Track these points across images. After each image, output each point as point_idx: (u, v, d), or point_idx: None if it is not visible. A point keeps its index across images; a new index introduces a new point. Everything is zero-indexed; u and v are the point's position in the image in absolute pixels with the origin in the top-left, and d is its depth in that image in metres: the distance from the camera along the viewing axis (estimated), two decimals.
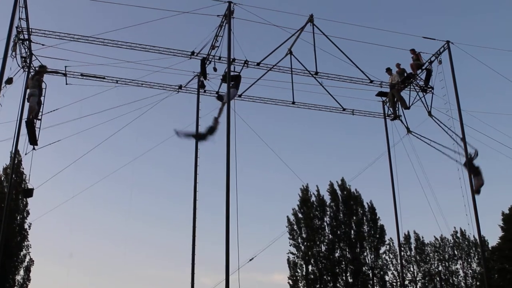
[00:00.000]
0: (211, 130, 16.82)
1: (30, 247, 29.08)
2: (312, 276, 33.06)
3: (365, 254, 34.90)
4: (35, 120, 15.82)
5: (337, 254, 34.14)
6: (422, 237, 39.10)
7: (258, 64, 18.82)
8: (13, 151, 17.21)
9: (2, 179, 29.28)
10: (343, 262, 33.96)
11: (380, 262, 35.25)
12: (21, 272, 28.55)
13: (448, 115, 19.07)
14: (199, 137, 15.99)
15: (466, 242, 38.99)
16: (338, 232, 34.77)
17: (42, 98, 16.22)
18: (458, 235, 39.30)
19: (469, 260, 38.41)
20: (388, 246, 36.34)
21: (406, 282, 36.82)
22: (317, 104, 20.56)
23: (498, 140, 19.48)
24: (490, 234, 42.42)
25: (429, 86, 20.41)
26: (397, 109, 21.37)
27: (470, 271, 38.16)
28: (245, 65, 18.58)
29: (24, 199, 28.80)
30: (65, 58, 17.48)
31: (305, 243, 34.01)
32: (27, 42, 16.98)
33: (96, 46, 17.41)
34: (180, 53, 18.25)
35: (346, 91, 20.45)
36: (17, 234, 28.48)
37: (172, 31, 57.60)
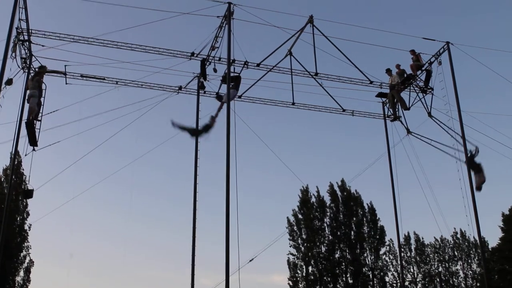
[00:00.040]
0: (207, 127, 16.77)
1: (30, 248, 29.15)
2: (312, 277, 33.06)
3: (365, 255, 34.91)
4: (35, 121, 15.83)
5: (337, 255, 34.15)
6: (422, 238, 39.20)
7: (258, 65, 18.82)
8: (13, 152, 17.20)
9: (2, 180, 29.29)
10: (343, 263, 33.97)
11: (380, 263, 35.27)
12: (21, 273, 28.57)
13: (448, 116, 19.10)
14: (194, 132, 15.91)
15: (466, 243, 39.02)
16: (338, 233, 34.78)
17: (42, 99, 16.23)
18: (458, 236, 39.34)
19: (469, 261, 38.43)
20: (388, 247, 36.41)
21: (406, 283, 36.84)
22: (317, 105, 20.58)
23: (498, 140, 19.50)
24: (490, 235, 42.50)
25: (429, 87, 20.41)
26: (397, 110, 21.37)
27: (470, 272, 38.20)
28: (245, 66, 18.58)
29: (24, 200, 28.80)
30: (65, 59, 17.51)
31: (305, 244, 34.01)
32: (27, 43, 16.98)
33: (96, 47, 17.42)
34: (180, 54, 18.25)
35: (346, 92, 20.46)
36: (17, 235, 28.47)
37: (172, 32, 57.67)
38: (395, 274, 35.90)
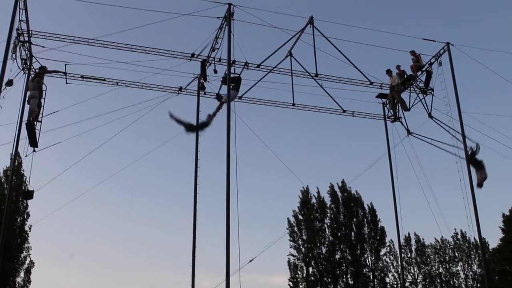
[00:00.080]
0: (203, 125, 16.73)
1: (31, 249, 29.13)
2: (312, 278, 33.04)
3: (366, 256, 34.88)
4: (35, 122, 15.84)
5: (337, 256, 34.13)
6: (423, 239, 39.16)
7: (258, 66, 18.81)
8: (14, 153, 17.24)
9: (3, 181, 29.30)
10: (344, 264, 33.95)
11: (380, 264, 35.24)
12: (22, 274, 28.56)
13: (449, 117, 19.11)
14: (189, 127, 15.87)
15: (466, 244, 39.00)
16: (339, 234, 34.76)
17: (42, 100, 16.25)
18: (459, 236, 39.33)
19: (470, 262, 38.42)
20: (388, 248, 36.37)
21: (407, 284, 36.82)
22: (317, 106, 20.58)
23: (499, 141, 19.49)
24: (491, 235, 42.46)
25: (429, 87, 20.41)
26: (397, 110, 21.37)
27: (470, 273, 38.18)
28: (245, 67, 18.58)
29: (25, 201, 28.82)
30: (65, 60, 17.53)
31: (306, 245, 33.99)
32: (27, 44, 17.00)
33: (97, 48, 17.42)
34: (180, 55, 18.26)
35: (346, 92, 20.47)
36: (18, 236, 28.47)
37: (173, 33, 57.66)
38: (396, 275, 35.90)
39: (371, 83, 20.19)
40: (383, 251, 35.83)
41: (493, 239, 41.23)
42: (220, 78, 18.38)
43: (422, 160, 20.55)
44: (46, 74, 16.98)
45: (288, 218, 35.11)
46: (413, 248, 38.69)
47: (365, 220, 36.03)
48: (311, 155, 55.22)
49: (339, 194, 36.46)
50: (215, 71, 18.21)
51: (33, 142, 16.01)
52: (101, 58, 17.62)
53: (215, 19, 16.92)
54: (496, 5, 65.55)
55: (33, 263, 29.08)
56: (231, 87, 16.21)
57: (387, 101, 21.55)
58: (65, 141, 18.03)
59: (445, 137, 19.64)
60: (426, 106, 20.48)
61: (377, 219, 36.22)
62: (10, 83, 15.64)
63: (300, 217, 35.02)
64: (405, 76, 20.49)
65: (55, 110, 17.25)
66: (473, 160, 17.57)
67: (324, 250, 34.09)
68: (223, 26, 16.96)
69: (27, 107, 15.90)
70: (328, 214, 35.47)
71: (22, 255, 28.72)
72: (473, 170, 17.52)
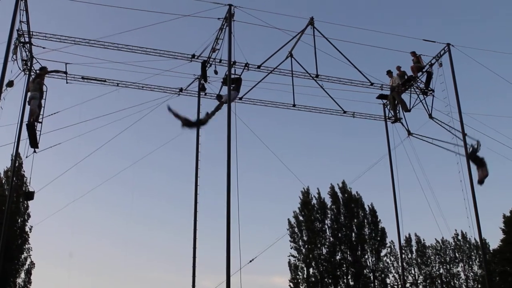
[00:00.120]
0: (200, 122, 16.64)
1: (31, 250, 29.10)
2: (313, 279, 33.03)
3: (366, 256, 34.86)
4: (36, 123, 15.85)
5: (338, 257, 34.12)
6: (423, 240, 39.12)
7: (258, 67, 18.82)
8: (14, 154, 17.27)
9: (3, 182, 29.29)
10: (344, 265, 33.93)
11: (381, 265, 35.22)
12: (22, 275, 28.54)
13: (449, 117, 19.12)
14: (186, 122, 15.83)
15: (467, 245, 38.98)
16: (339, 235, 34.74)
17: (43, 101, 16.25)
18: (459, 237, 39.30)
19: (470, 262, 38.40)
20: (389, 249, 36.34)
21: (407, 285, 36.82)
22: (318, 107, 20.59)
23: (499, 141, 19.49)
24: (491, 236, 42.45)
25: (429, 88, 20.41)
26: (397, 111, 21.37)
27: (471, 273, 38.17)
28: (246, 68, 18.60)
29: (25, 202, 28.82)
30: (66, 61, 17.54)
31: (306, 245, 33.97)
32: (28, 45, 17.02)
33: (97, 49, 17.46)
34: (181, 56, 18.28)
35: (347, 93, 20.49)
36: (18, 237, 28.46)
37: (173, 34, 57.56)
38: (396, 276, 35.86)
39: (372, 84, 20.21)
40: (383, 252, 35.85)
41: (494, 240, 41.30)
42: (221, 79, 18.39)
43: (423, 161, 20.58)
44: (47, 75, 16.98)
45: (288, 219, 35.14)
46: (414, 249, 38.67)
47: (365, 221, 36.01)
48: (312, 156, 55.19)
49: (340, 195, 36.44)
50: (216, 72, 18.25)
51: (34, 143, 16.02)
52: (101, 59, 17.68)
53: (216, 20, 16.96)
54: (497, 5, 65.56)
55: (34, 264, 29.09)
56: (231, 88, 16.21)
57: (388, 102, 21.54)
58: (66, 142, 18.07)
59: (446, 138, 19.67)
60: (427, 107, 20.49)
61: (378, 220, 36.20)
62: (10, 84, 15.65)
63: (301, 218, 35.00)
64: (406, 77, 20.49)
65: (55, 111, 17.30)
66: (474, 157, 17.57)
67: (324, 251, 34.08)
68: (223, 27, 16.97)
69: (27, 108, 15.92)
70: (329, 215, 35.45)
71: (23, 256, 28.71)
72: (474, 167, 17.55)
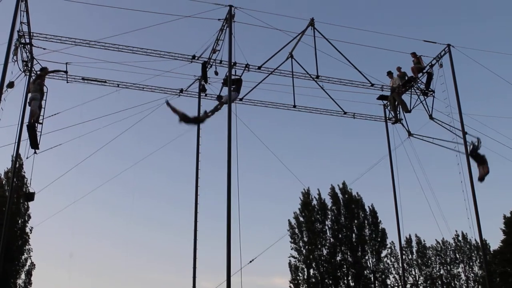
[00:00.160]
0: (197, 120, 16.57)
1: (32, 251, 29.12)
2: (313, 280, 33.02)
3: (367, 257, 34.86)
4: (36, 124, 15.85)
5: (338, 258, 34.11)
6: (424, 241, 39.07)
7: (259, 67, 18.84)
8: (15, 155, 17.27)
9: (4, 183, 29.30)
10: (345, 266, 33.92)
11: (381, 266, 35.21)
12: (22, 276, 28.56)
13: (450, 118, 19.13)
14: (184, 118, 15.81)
15: (467, 246, 38.94)
16: (340, 236, 34.73)
17: (43, 102, 16.25)
18: (460, 238, 39.27)
19: (471, 263, 38.37)
20: (389, 250, 36.34)
21: (408, 286, 36.81)
22: (318, 108, 20.60)
23: (500, 142, 19.49)
24: (492, 237, 42.33)
25: (430, 89, 20.41)
26: (398, 112, 21.36)
27: (471, 274, 38.13)
28: (246, 68, 18.61)
29: (26, 203, 28.83)
30: (66, 62, 17.54)
31: (307, 246, 33.97)
32: (29, 46, 17.04)
33: (98, 50, 17.48)
34: (181, 57, 18.29)
35: (347, 94, 20.52)
36: (19, 238, 28.47)
37: (174, 35, 57.65)
38: (397, 276, 35.83)
39: (372, 85, 20.22)
40: (384, 253, 35.84)
41: (494, 240, 41.28)
42: (221, 80, 18.40)
43: (423, 162, 20.57)
44: (48, 75, 16.98)
45: (289, 220, 35.14)
46: (414, 250, 38.63)
47: (366, 221, 36.00)
48: (312, 156, 55.18)
49: (340, 195, 36.44)
50: (216, 73, 18.26)
51: (34, 144, 16.02)
52: (102, 60, 17.68)
53: (216, 21, 16.97)
54: (497, 6, 65.57)
55: (34, 265, 29.11)
56: (232, 88, 16.21)
57: (388, 103, 21.54)
58: (66, 143, 18.08)
59: (446, 139, 19.68)
60: (427, 108, 20.49)
61: (378, 220, 36.20)
62: (11, 85, 15.66)
63: (301, 218, 35.00)
64: (406, 78, 20.50)
65: (56, 112, 17.32)
66: (475, 154, 17.59)
67: (325, 252, 34.08)
68: (224, 28, 16.98)
69: (28, 109, 15.92)
70: (329, 216, 35.46)
71: (23, 257, 28.73)
72: (474, 164, 17.58)
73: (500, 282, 32.28)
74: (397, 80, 20.58)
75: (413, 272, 37.88)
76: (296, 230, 34.65)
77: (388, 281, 35.35)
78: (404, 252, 35.88)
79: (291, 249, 34.03)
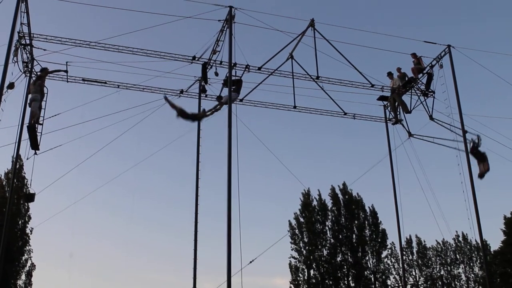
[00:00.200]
0: (194, 117, 16.46)
1: (32, 252, 29.10)
2: (314, 281, 32.99)
3: (367, 258, 34.82)
4: (36, 125, 15.85)
5: (339, 259, 34.06)
6: (424, 241, 39.04)
7: (259, 68, 18.85)
8: (15, 156, 17.29)
9: (4, 183, 29.29)
10: (345, 267, 33.88)
11: (382, 266, 35.17)
12: (23, 276, 28.54)
13: (450, 119, 19.14)
14: (181, 113, 15.79)
15: (468, 246, 38.92)
16: (340, 236, 34.70)
17: (44, 103, 16.24)
18: (460, 239, 39.24)
19: (471, 264, 38.35)
20: (390, 250, 36.31)
21: (408, 287, 36.76)
22: (319, 109, 20.61)
23: (500, 143, 19.49)
24: (492, 238, 42.42)
25: (430, 90, 20.42)
26: (398, 113, 21.37)
27: (472, 275, 38.10)
28: (246, 69, 18.63)
29: (26, 204, 28.82)
30: (66, 61, 17.54)
31: (307, 247, 33.94)
32: (29, 47, 17.06)
33: (98, 51, 17.51)
34: (182, 58, 18.31)
35: (347, 95, 20.53)
36: (19, 239, 28.45)
37: (174, 36, 57.68)
38: (397, 277, 35.81)
39: (372, 85, 20.22)
40: (384, 253, 35.79)
41: (495, 241, 41.25)
42: (221, 81, 18.42)
43: (423, 163, 20.61)
44: (48, 76, 16.98)
45: (289, 221, 35.07)
46: (415, 250, 38.60)
47: (366, 222, 35.96)
48: (312, 157, 55.21)
49: (340, 196, 36.40)
50: (216, 74, 18.29)
51: (35, 145, 16.03)
52: (102, 61, 17.70)
53: (216, 22, 17.00)
54: (497, 7, 65.58)
55: (34, 265, 29.09)
56: (232, 89, 16.21)
57: (388, 104, 21.55)
58: (67, 144, 18.12)
59: (447, 140, 19.68)
60: (427, 109, 20.50)
61: (379, 221, 36.15)
62: (11, 86, 15.69)
63: (301, 219, 34.96)
64: (406, 79, 20.51)
65: (56, 113, 17.34)
66: (475, 152, 17.62)
67: (325, 252, 34.04)
68: (224, 28, 17.00)
69: (28, 110, 15.93)
70: (329, 217, 35.42)
71: (24, 258, 28.71)
72: (475, 162, 17.62)
73: (500, 283, 32.26)
74: (397, 80, 20.59)
75: (414, 273, 37.88)
76: (297, 230, 34.62)
77: (389, 282, 35.35)
78: (404, 252, 35.86)
79: (292, 249, 34.02)
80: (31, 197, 16.80)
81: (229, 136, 14.54)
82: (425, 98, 20.56)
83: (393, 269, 36.12)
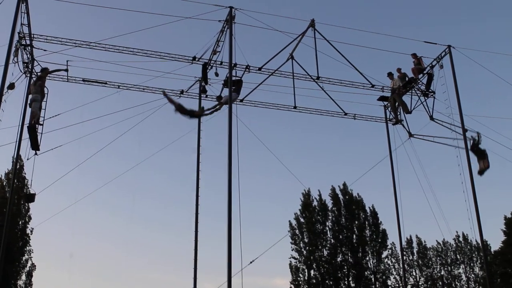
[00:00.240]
0: (193, 113, 16.43)
1: (32, 252, 29.11)
2: (314, 281, 32.99)
3: (367, 258, 34.83)
4: (37, 125, 15.86)
5: (339, 259, 34.06)
6: (424, 242, 39.05)
7: (259, 69, 18.86)
8: (15, 156, 17.29)
9: (4, 184, 29.31)
10: (345, 267, 33.88)
11: (382, 267, 35.18)
12: (23, 277, 28.54)
13: (450, 119, 19.13)
14: (179, 109, 15.73)
15: (468, 247, 38.92)
16: (340, 237, 34.70)
17: (44, 103, 16.25)
18: (461, 239, 39.24)
19: (472, 264, 38.35)
20: (390, 251, 36.31)
21: (409, 287, 36.76)
22: (319, 109, 20.61)
23: (501, 143, 19.49)
24: (493, 238, 42.43)
25: (430, 90, 20.41)
26: (398, 113, 21.37)
27: (472, 275, 38.10)
28: (247, 70, 18.62)
29: (26, 204, 28.82)
30: (67, 60, 17.54)
31: (307, 247, 33.94)
32: (29, 47, 17.06)
33: (98, 51, 17.51)
34: (182, 58, 18.31)
35: (348, 95, 20.52)
36: (19, 239, 28.47)
37: (174, 36, 57.77)
38: (397, 277, 35.82)
39: (373, 85, 20.23)
40: (384, 253, 35.80)
41: (495, 241, 41.27)
42: (222, 81, 18.42)
43: (424, 163, 20.60)
44: (48, 76, 16.98)
45: (289, 221, 35.07)
46: (415, 250, 38.61)
47: (366, 222, 35.97)
48: (313, 157, 55.22)
49: (341, 196, 36.41)
50: (217, 74, 18.29)
51: (35, 145, 16.03)
52: (102, 61, 17.70)
53: (217, 23, 16.99)
54: (498, 7, 65.58)
55: (35, 265, 29.10)
56: (232, 89, 16.21)
57: (389, 104, 21.55)
58: (67, 144, 18.11)
59: (447, 140, 19.68)
60: (428, 109, 20.50)
61: (379, 221, 36.16)
62: (12, 86, 15.70)
63: (302, 219, 34.97)
64: (407, 79, 20.51)
65: (57, 113, 17.34)
66: (476, 149, 17.64)
67: (325, 252, 34.04)
68: (224, 29, 16.99)
69: (28, 110, 15.93)
70: (330, 217, 35.42)
71: (24, 258, 28.72)
72: (475, 161, 17.65)
73: (500, 283, 32.26)
74: (397, 81, 20.59)
75: (414, 273, 37.89)
76: (297, 231, 34.62)
77: (389, 282, 35.37)
78: (404, 253, 35.89)
79: (292, 250, 34.03)
80: (31, 198, 16.80)
81: (229, 136, 14.54)
82: (426, 98, 20.56)
83: (393, 270, 36.15)
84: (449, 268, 38.29)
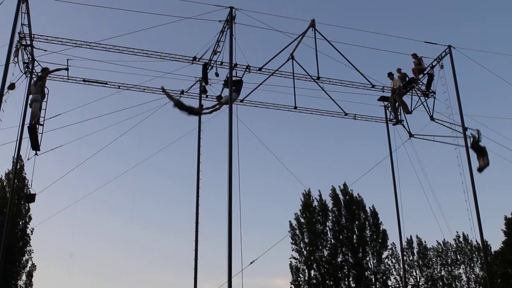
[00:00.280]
0: (192, 110, 16.33)
1: (32, 252, 29.11)
2: (314, 281, 32.98)
3: (368, 258, 34.82)
4: (37, 125, 15.86)
5: (339, 259, 34.05)
6: (425, 242, 39.03)
7: (260, 69, 18.86)
8: (16, 157, 17.29)
9: (5, 184, 29.32)
10: (346, 267, 33.87)
11: (382, 267, 35.16)
12: (23, 277, 28.54)
13: (450, 119, 19.13)
14: (178, 104, 15.69)
15: (468, 247, 38.90)
16: (341, 237, 34.70)
17: (44, 103, 16.25)
18: (461, 239, 39.21)
19: (472, 264, 38.33)
20: (390, 251, 36.28)
21: (409, 287, 36.75)
22: (319, 109, 20.62)
23: (501, 144, 19.49)
24: (493, 238, 42.46)
25: (430, 90, 20.41)
26: (399, 113, 21.37)
27: (473, 275, 38.07)
28: (247, 70, 18.63)
29: (26, 204, 28.82)
30: (68, 59, 17.54)
31: (308, 248, 33.94)
32: (29, 48, 17.07)
33: (98, 51, 17.51)
34: (182, 59, 18.31)
35: (348, 95, 20.52)
36: (19, 239, 28.47)
37: (174, 37, 57.77)
38: (398, 278, 35.78)
39: (373, 86, 20.23)
40: (385, 254, 35.78)
41: (496, 241, 41.26)
42: (222, 81, 18.42)
43: (424, 163, 20.59)
44: (49, 76, 16.97)
45: (290, 221, 35.07)
46: (415, 251, 38.58)
47: (367, 223, 35.96)
48: (313, 157, 55.21)
49: (341, 197, 36.40)
50: (217, 74, 18.29)
51: (35, 146, 16.03)
52: (103, 61, 17.70)
53: (217, 23, 16.99)
54: (497, 7, 65.56)
55: (35, 266, 29.10)
56: (232, 90, 16.21)
57: (389, 104, 21.55)
58: (67, 144, 18.11)
59: (447, 139, 19.71)
60: (428, 109, 20.49)
61: (379, 222, 36.15)
62: (12, 86, 15.71)
63: (302, 220, 34.96)
64: (407, 79, 20.50)
65: (57, 113, 17.33)
66: (476, 146, 17.66)
67: (326, 253, 34.04)
68: (224, 29, 16.99)
69: (29, 110, 15.94)
70: (330, 217, 35.41)
71: (24, 258, 28.72)
72: (475, 156, 17.65)
73: (501, 283, 32.26)
74: (397, 81, 20.58)
75: (414, 273, 37.86)
76: (297, 231, 34.62)
77: (389, 282, 35.36)
78: (405, 253, 35.88)
79: (292, 250, 34.02)
80: (31, 198, 16.80)
81: (229, 136, 14.55)
82: (426, 98, 20.56)
83: (393, 270, 36.11)
84: (449, 268, 38.27)
